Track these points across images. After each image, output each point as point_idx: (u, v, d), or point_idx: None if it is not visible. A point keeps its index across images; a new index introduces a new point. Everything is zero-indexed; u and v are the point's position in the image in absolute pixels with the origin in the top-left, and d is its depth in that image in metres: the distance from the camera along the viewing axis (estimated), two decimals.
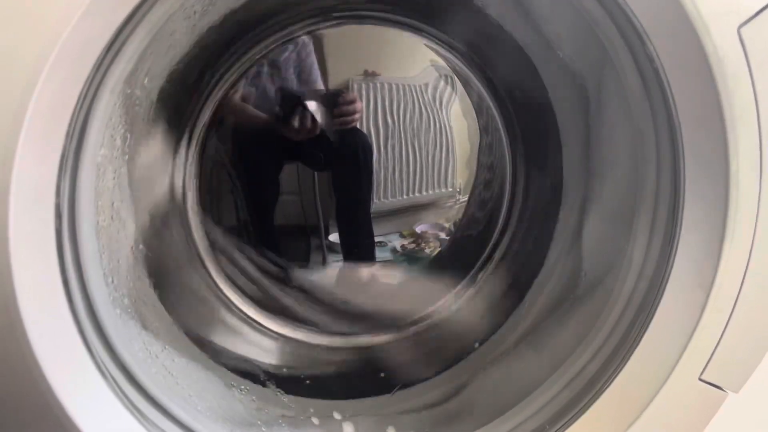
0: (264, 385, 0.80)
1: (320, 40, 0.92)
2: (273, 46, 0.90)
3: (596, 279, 0.69)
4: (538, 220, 0.89)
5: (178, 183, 0.89)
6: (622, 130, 0.66)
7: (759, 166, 0.51)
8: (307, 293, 0.98)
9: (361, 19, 0.92)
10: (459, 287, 0.95)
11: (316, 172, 0.94)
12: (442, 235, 0.99)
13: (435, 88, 0.94)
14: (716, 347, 0.54)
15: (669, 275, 0.56)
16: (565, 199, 0.81)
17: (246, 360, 0.84)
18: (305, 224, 0.97)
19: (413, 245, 0.99)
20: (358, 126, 0.92)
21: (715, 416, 0.56)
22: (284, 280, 0.98)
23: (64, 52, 0.46)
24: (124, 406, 0.56)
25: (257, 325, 0.92)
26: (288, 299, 0.97)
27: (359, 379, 0.88)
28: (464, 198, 0.97)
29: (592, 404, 0.60)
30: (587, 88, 0.71)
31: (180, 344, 0.73)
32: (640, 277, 0.62)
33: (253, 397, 0.76)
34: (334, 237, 0.96)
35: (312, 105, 0.91)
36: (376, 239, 0.97)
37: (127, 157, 0.67)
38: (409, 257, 0.98)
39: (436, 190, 0.96)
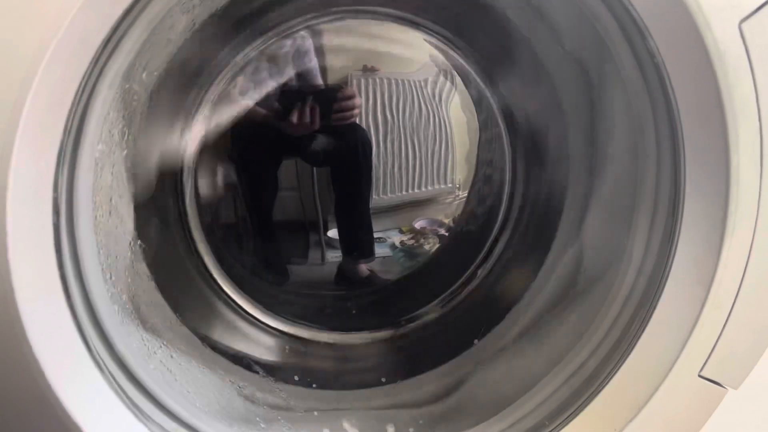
0: (263, 381, 0.80)
1: (319, 35, 0.91)
2: (272, 41, 0.90)
3: (596, 274, 0.69)
4: (537, 216, 0.89)
5: (176, 178, 0.88)
6: (622, 125, 0.66)
7: (759, 161, 0.51)
8: (306, 289, 0.98)
9: (360, 14, 0.91)
10: (458, 283, 0.95)
11: (315, 168, 0.94)
12: (442, 231, 0.99)
13: (434, 84, 0.94)
14: (716, 344, 0.54)
15: (669, 271, 0.56)
16: (564, 194, 0.81)
17: (244, 356, 0.84)
18: (304, 220, 0.97)
19: (412, 241, 0.98)
20: (357, 121, 0.92)
21: (715, 413, 0.56)
22: (283, 276, 0.98)
23: (62, 47, 0.46)
24: (122, 402, 0.56)
25: (256, 322, 0.92)
26: (286, 295, 0.97)
27: (358, 376, 0.88)
28: (464, 194, 0.97)
29: (591, 400, 0.60)
30: (588, 82, 0.71)
31: (178, 340, 0.73)
32: (639, 273, 0.62)
33: (252, 394, 0.76)
34: (333, 233, 0.96)
35: (311, 100, 0.90)
36: (375, 235, 0.97)
37: (125, 152, 0.67)
38: (408, 253, 0.98)
39: (436, 186, 0.96)
